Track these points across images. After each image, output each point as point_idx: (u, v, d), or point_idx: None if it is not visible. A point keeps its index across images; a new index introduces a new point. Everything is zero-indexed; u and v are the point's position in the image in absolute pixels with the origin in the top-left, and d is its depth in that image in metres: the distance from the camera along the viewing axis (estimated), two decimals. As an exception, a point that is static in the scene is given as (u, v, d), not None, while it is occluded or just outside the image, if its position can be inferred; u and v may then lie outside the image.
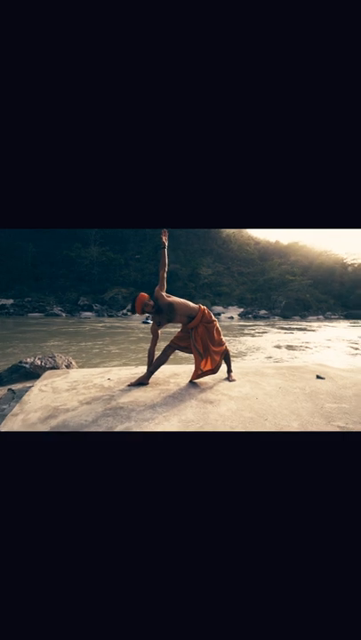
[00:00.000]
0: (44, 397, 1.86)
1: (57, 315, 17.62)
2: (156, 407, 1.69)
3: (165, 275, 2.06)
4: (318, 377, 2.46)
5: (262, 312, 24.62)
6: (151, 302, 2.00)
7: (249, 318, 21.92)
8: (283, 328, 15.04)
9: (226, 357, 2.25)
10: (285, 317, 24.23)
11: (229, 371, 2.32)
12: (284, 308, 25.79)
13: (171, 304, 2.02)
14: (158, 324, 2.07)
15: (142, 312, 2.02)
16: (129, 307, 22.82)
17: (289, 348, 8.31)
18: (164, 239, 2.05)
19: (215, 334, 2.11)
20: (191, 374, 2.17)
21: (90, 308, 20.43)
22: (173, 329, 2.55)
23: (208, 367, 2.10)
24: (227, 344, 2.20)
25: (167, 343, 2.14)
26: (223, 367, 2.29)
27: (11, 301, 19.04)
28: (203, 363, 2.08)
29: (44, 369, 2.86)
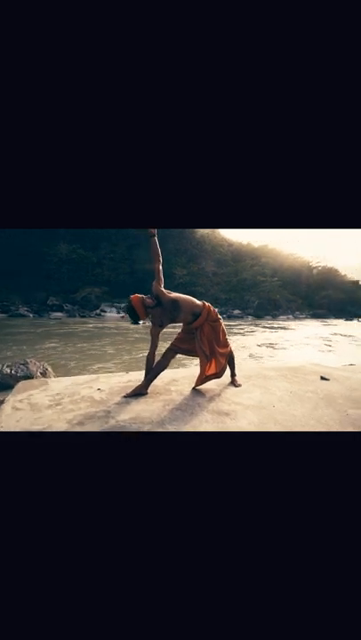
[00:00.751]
0: (21, 418, 1.48)
1: (23, 315, 16.34)
2: (165, 424, 1.41)
3: (161, 267, 1.75)
4: (323, 378, 2.35)
5: (236, 312, 25.14)
6: (150, 300, 1.71)
7: (224, 318, 22.27)
8: (267, 327, 15.65)
9: (230, 360, 2.04)
10: (258, 317, 24.99)
11: (233, 374, 2.11)
12: (256, 307, 26.61)
13: (175, 300, 1.75)
14: (160, 325, 1.77)
15: (147, 314, 1.73)
16: (120, 313, 22.01)
17: (270, 346, 8.51)
18: (152, 229, 1.73)
19: (221, 334, 1.88)
20: (195, 380, 1.92)
21: (60, 309, 19.28)
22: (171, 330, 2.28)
23: (212, 371, 1.87)
24: (231, 345, 1.99)
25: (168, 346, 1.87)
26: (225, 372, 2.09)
27: (-31, 301, 17.42)
28: (207, 366, 1.85)
29: (15, 378, 2.41)
